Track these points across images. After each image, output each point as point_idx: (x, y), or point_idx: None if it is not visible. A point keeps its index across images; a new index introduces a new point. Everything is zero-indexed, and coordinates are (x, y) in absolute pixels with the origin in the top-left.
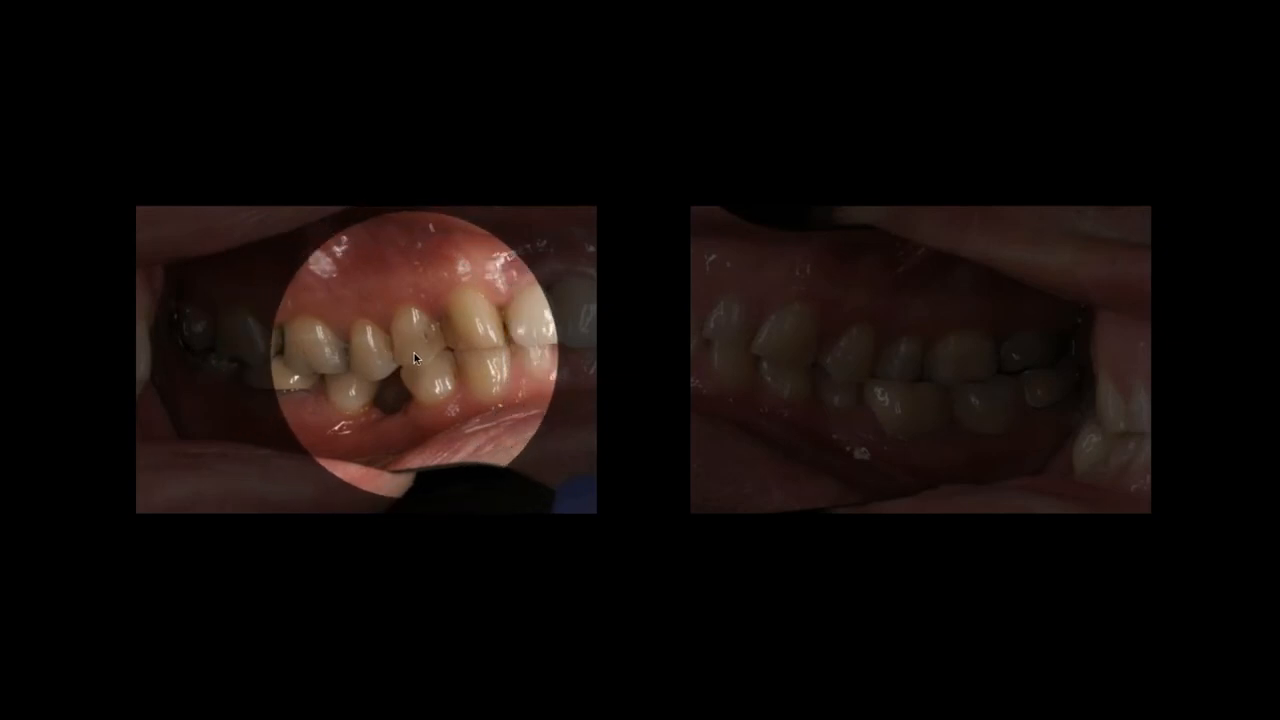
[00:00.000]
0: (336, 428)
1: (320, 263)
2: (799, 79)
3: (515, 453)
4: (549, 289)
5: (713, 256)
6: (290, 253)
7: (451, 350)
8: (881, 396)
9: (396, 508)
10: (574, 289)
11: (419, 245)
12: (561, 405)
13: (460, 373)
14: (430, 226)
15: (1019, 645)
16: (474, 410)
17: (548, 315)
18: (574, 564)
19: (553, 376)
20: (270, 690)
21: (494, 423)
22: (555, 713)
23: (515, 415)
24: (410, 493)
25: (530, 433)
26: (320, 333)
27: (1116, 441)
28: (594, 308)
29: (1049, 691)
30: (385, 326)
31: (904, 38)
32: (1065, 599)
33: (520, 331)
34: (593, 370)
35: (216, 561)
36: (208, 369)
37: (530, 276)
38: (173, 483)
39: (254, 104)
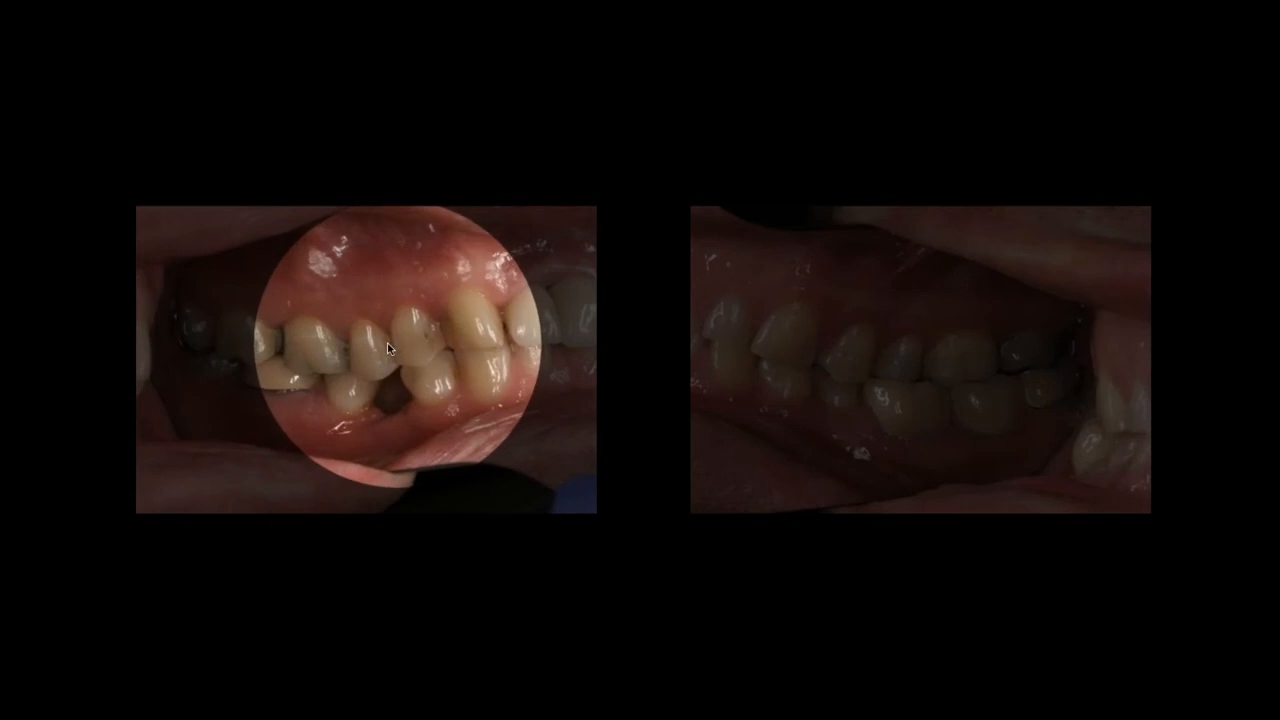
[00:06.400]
0: (336, 428)
1: (320, 263)
2: (798, 79)
3: (515, 452)
4: (549, 289)
5: (713, 256)
6: (290, 253)
7: (451, 350)
8: (881, 396)
9: (396, 508)
10: (574, 289)
11: (419, 245)
12: (562, 405)
13: (460, 373)
14: (430, 226)
15: (1019, 645)
16: (474, 410)
17: (548, 315)
18: (574, 564)
19: (552, 377)
20: (271, 690)
21: (494, 423)
22: (555, 713)
23: (515, 415)
24: (410, 493)
25: (529, 433)
26: (320, 333)
27: (1116, 441)
28: (594, 308)
29: (1049, 691)
30: (385, 326)
31: (903, 38)
32: (1065, 599)
33: (520, 331)
34: (593, 370)
35: (216, 561)
36: (208, 369)
37: (530, 276)
38: (173, 483)
39: (253, 104)
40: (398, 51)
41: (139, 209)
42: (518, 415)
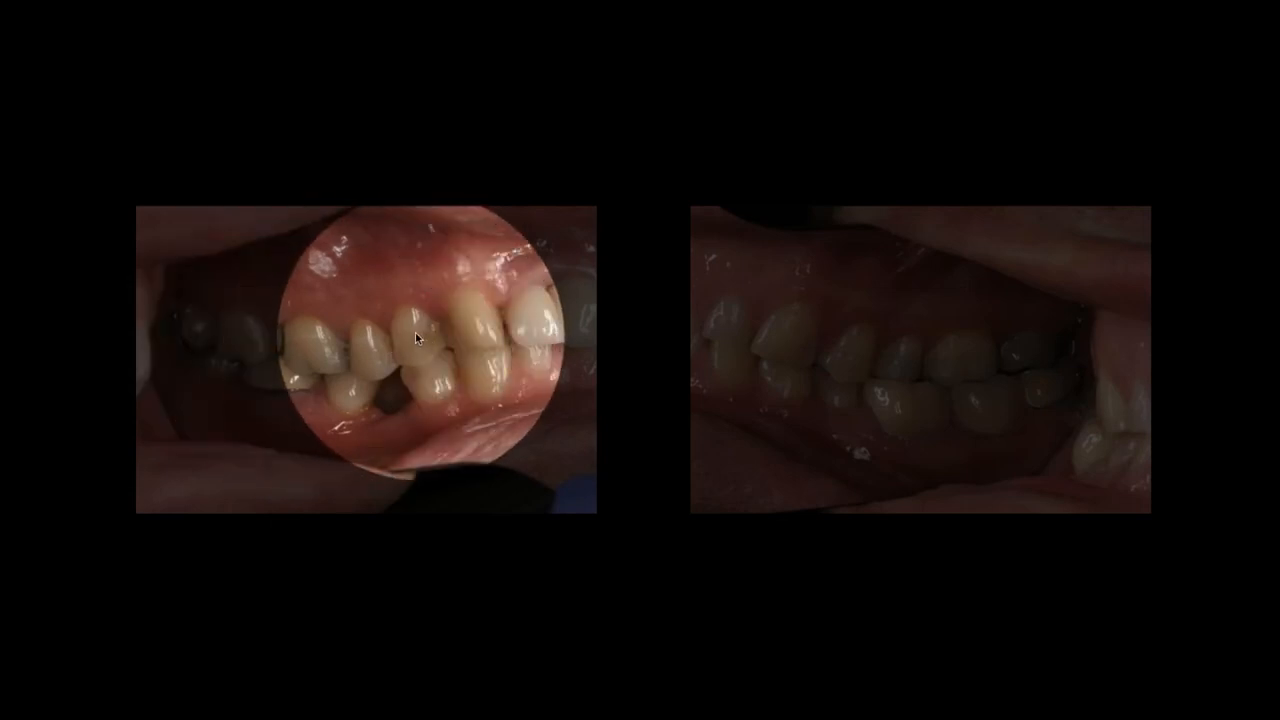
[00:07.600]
0: (336, 428)
1: (320, 263)
2: (798, 79)
3: (515, 453)
4: (549, 289)
5: (713, 256)
6: (290, 253)
7: (451, 350)
8: (881, 396)
9: (396, 508)
10: (574, 289)
11: (419, 245)
12: (562, 405)
13: (460, 373)
14: (430, 226)
15: (1019, 645)
16: (474, 410)
17: (548, 315)
18: (574, 564)
19: (553, 377)
20: (271, 690)
21: (494, 423)
22: (555, 713)
23: (515, 415)
24: (410, 493)
25: (529, 433)
26: (320, 333)
27: (1116, 441)
28: (594, 308)
29: (1049, 692)
30: (385, 326)
31: (903, 37)
32: (1065, 599)
33: (520, 331)
34: (593, 370)
35: (217, 561)
36: (208, 369)
37: (530, 276)
38: (173, 483)
39: (253, 104)
40: (397, 51)
41: (139, 209)
42: (518, 415)
